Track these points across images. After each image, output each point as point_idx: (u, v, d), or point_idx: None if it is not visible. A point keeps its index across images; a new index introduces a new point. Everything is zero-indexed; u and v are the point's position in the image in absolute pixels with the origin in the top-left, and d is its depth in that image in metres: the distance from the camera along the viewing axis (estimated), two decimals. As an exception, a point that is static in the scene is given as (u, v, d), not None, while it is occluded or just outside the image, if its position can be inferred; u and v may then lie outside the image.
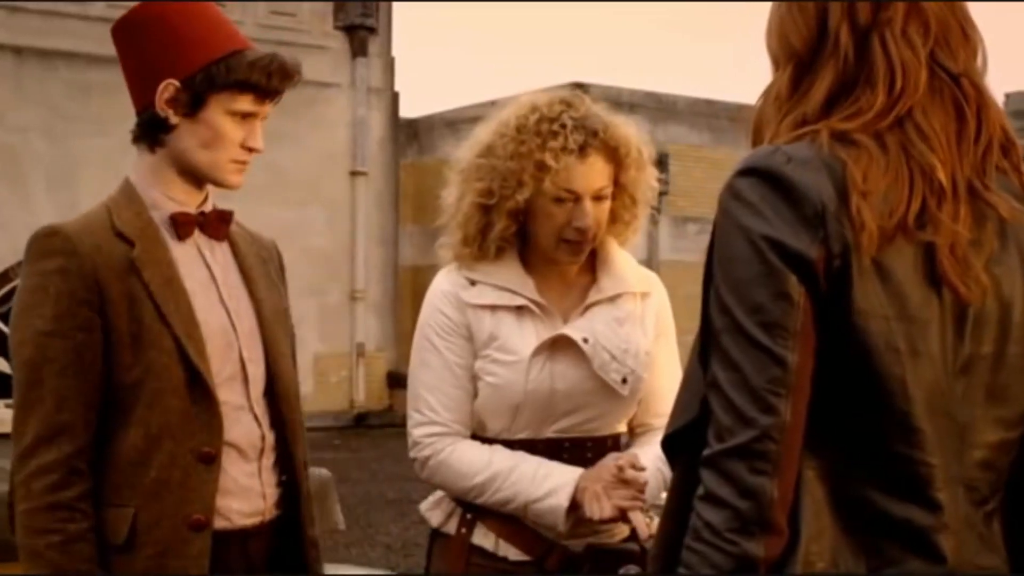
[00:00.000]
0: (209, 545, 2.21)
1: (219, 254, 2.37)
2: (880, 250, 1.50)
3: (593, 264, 2.62)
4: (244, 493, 2.28)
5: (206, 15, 2.28)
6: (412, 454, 2.57)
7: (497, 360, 2.52)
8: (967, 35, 1.63)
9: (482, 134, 2.60)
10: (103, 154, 13.31)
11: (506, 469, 2.48)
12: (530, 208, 2.52)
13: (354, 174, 16.12)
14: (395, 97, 16.90)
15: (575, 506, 2.44)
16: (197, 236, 2.33)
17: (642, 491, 2.43)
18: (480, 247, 2.58)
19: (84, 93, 13.75)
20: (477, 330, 2.54)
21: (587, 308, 2.57)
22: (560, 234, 2.51)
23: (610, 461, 2.47)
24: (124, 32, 2.31)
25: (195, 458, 2.20)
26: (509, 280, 2.55)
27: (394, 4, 16.84)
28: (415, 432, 2.56)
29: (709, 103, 17.79)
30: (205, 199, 2.36)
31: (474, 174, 2.57)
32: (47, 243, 2.19)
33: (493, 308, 2.54)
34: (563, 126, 2.49)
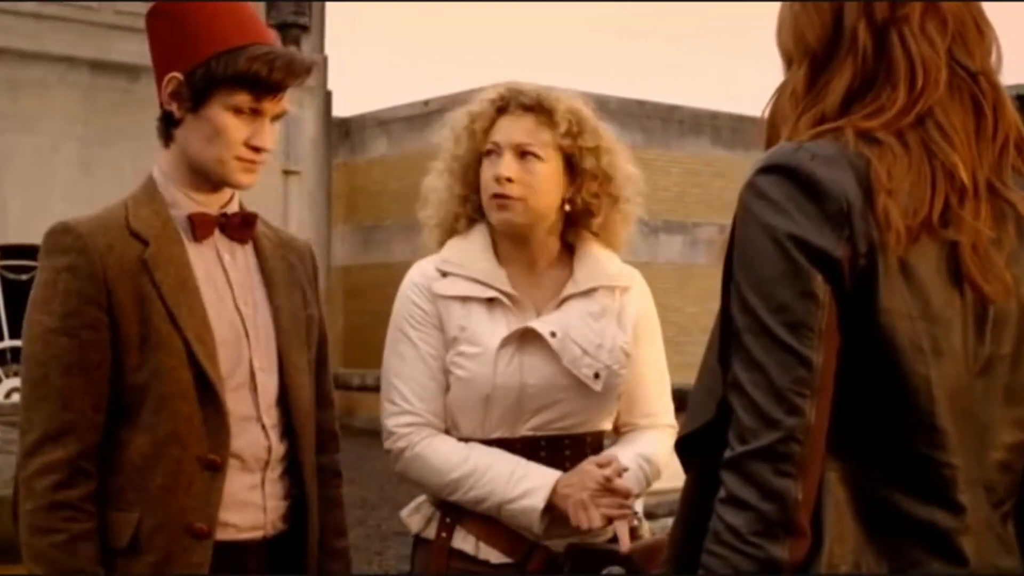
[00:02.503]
0: (210, 555, 2.15)
1: (240, 257, 2.29)
2: (906, 249, 1.49)
3: (571, 259, 2.61)
4: (242, 507, 2.21)
5: (220, 7, 2.20)
6: (387, 445, 2.54)
7: (465, 353, 2.50)
8: (982, 31, 1.62)
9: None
10: (31, 151, 13.16)
11: (483, 467, 2.45)
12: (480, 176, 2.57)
13: (286, 173, 16.01)
14: (328, 96, 16.82)
15: (550, 508, 2.41)
16: (217, 238, 2.25)
17: (628, 498, 2.41)
18: (450, 225, 2.62)
19: (13, 89, 13.47)
20: (447, 322, 2.53)
21: (562, 302, 2.55)
22: (487, 190, 2.53)
23: (591, 466, 2.44)
24: (149, 21, 2.24)
25: (200, 465, 2.14)
26: (481, 272, 2.54)
27: (327, 3, 16.77)
28: (388, 423, 2.54)
29: (641, 103, 17.86)
30: (229, 200, 2.29)
31: (441, 154, 2.65)
32: (59, 240, 2.13)
33: (464, 299, 2.53)
34: (496, 88, 2.58)
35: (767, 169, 1.53)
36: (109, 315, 2.11)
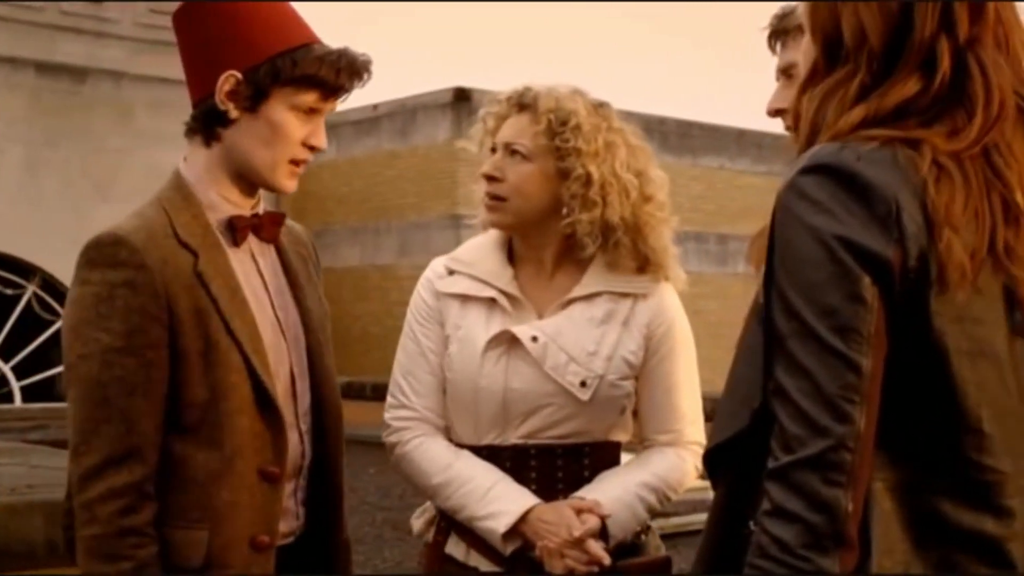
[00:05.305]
0: (272, 566, 2.13)
1: (268, 259, 2.25)
2: (969, 280, 1.44)
3: (588, 264, 2.54)
4: (283, 513, 2.18)
5: (274, 5, 2.15)
6: (383, 437, 2.55)
7: (455, 352, 2.49)
8: None
9: None
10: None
11: (461, 478, 2.44)
12: None
13: (236, 176, 15.92)
14: (277, 99, 16.73)
15: (518, 533, 2.40)
16: (250, 240, 2.21)
17: (596, 561, 2.37)
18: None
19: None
20: (446, 319, 2.53)
21: (565, 305, 2.50)
22: (481, 189, 2.54)
23: (570, 511, 2.40)
24: (186, 18, 2.18)
25: (261, 478, 2.10)
26: (485, 271, 2.53)
27: (276, 6, 16.68)
28: (386, 415, 2.55)
29: (591, 108, 17.84)
30: (258, 200, 2.24)
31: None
32: (112, 252, 2.03)
33: (463, 298, 2.52)
34: (512, 87, 2.57)
35: (809, 169, 1.47)
36: (170, 332, 2.03)
